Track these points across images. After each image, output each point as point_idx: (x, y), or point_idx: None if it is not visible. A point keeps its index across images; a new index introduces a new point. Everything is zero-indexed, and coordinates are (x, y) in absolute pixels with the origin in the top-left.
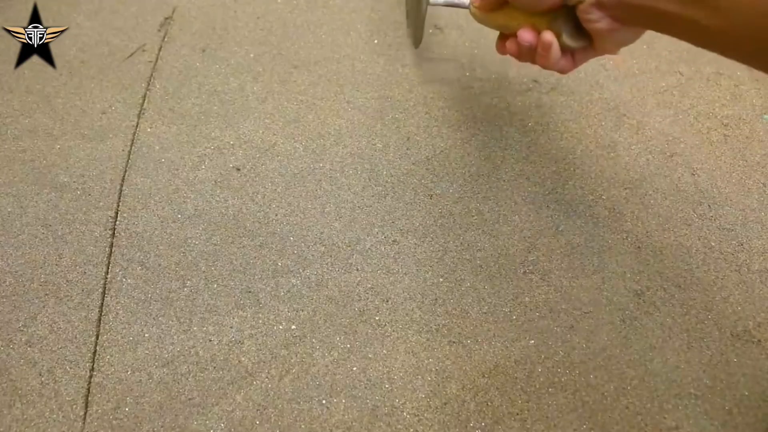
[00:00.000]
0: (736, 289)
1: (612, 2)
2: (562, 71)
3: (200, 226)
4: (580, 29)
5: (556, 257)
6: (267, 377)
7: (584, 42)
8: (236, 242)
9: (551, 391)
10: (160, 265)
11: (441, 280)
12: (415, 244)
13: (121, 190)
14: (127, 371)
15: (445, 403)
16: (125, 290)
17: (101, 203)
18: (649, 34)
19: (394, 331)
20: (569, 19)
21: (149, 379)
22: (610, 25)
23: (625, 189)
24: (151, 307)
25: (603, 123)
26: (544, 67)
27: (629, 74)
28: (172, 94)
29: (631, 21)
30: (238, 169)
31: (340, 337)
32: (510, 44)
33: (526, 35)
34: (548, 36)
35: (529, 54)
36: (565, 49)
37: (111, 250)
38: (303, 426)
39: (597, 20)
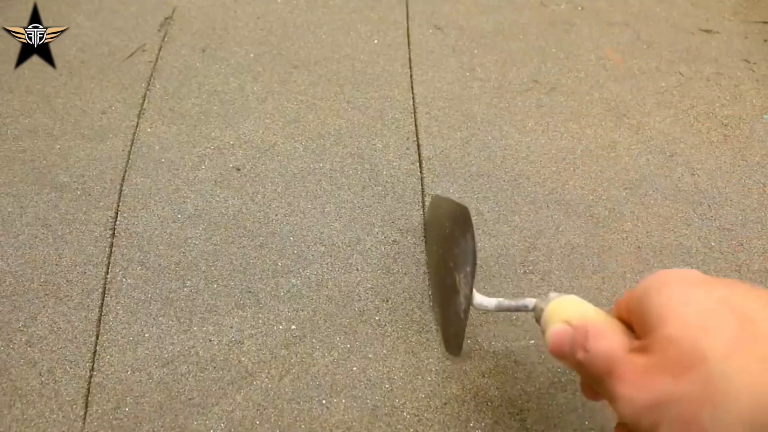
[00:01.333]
0: None
1: None
2: None
3: (200, 226)
4: None
5: (556, 257)
6: (267, 377)
7: None
8: (236, 242)
9: (551, 391)
10: (160, 265)
11: None
12: (415, 244)
13: (121, 190)
14: (127, 371)
15: (445, 403)
16: (125, 290)
17: (101, 203)
18: (649, 34)
19: (394, 331)
20: None
21: (149, 379)
22: None
23: (625, 189)
24: (151, 307)
25: (603, 123)
26: None
27: (629, 74)
28: (172, 94)
29: None
30: (238, 169)
31: (340, 337)
32: None
33: None
34: None
35: None
36: None
37: (111, 250)
38: (303, 426)
39: None
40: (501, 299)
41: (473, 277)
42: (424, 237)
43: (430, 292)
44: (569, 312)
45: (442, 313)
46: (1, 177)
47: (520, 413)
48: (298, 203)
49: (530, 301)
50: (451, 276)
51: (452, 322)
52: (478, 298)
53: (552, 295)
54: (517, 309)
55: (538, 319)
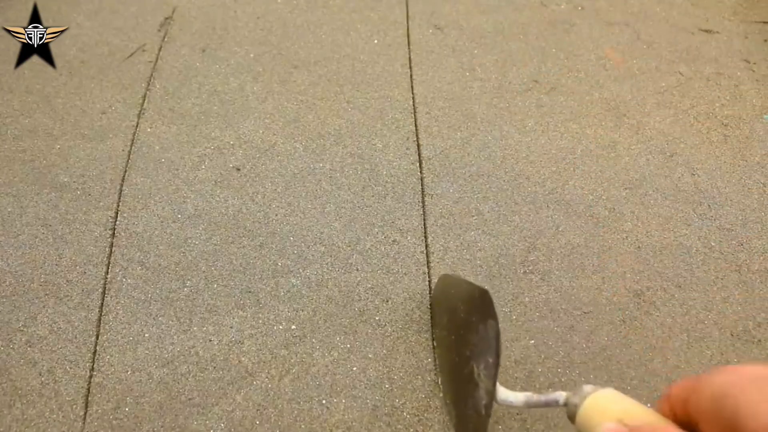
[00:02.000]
0: (736, 289)
1: None
2: None
3: (200, 226)
4: None
5: (556, 257)
6: (267, 377)
7: None
8: (236, 242)
9: (551, 391)
10: (160, 265)
11: None
12: (415, 244)
13: (121, 190)
14: (127, 371)
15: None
16: (125, 290)
17: (101, 203)
18: (649, 34)
19: (394, 331)
20: None
21: (149, 379)
22: None
23: (625, 189)
24: (151, 307)
25: (603, 123)
26: None
27: (629, 74)
28: (172, 94)
29: None
30: (238, 169)
31: (340, 337)
32: None
33: None
34: None
35: None
36: None
37: (111, 250)
38: (303, 426)
39: None
40: (529, 394)
41: (497, 369)
42: (431, 318)
43: (439, 380)
44: (614, 410)
45: (457, 407)
46: (1, 177)
47: (520, 413)
48: (298, 203)
49: (560, 396)
50: (467, 365)
51: (470, 418)
52: (503, 394)
53: (587, 388)
54: (547, 404)
55: (571, 417)
